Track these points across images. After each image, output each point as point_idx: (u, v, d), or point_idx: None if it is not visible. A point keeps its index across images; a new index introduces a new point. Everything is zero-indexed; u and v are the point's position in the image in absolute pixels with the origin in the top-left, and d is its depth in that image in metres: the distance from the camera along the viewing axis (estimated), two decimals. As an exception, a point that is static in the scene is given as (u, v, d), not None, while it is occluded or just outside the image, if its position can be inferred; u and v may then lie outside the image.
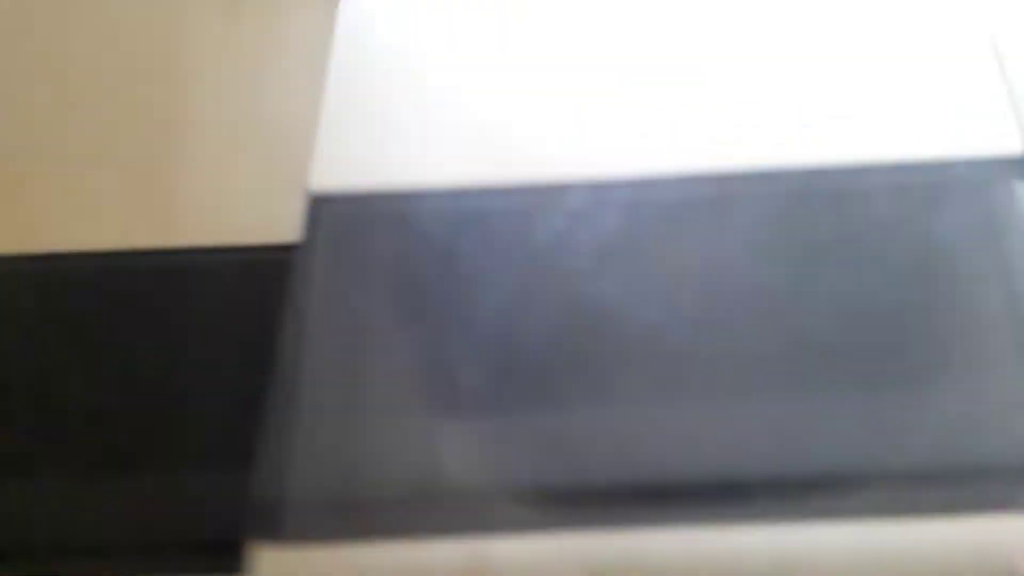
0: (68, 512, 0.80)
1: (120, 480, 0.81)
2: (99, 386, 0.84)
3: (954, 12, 0.88)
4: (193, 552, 0.78)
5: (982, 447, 0.68)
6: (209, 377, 0.83)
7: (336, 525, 0.68)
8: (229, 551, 0.73)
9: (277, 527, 0.68)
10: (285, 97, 0.94)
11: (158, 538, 0.78)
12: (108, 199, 0.91)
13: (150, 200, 0.91)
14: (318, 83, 0.93)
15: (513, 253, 0.78)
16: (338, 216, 0.81)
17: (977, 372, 0.70)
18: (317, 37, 0.96)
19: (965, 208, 0.76)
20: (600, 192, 0.80)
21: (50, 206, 0.92)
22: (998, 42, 0.86)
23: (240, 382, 0.81)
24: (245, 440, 0.77)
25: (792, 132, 0.82)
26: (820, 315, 0.73)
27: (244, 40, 0.99)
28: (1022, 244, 0.74)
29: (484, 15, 0.93)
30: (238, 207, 0.89)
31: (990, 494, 0.66)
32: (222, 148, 0.93)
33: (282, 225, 0.86)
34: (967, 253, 0.74)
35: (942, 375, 0.70)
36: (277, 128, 0.93)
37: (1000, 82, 0.83)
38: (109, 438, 0.82)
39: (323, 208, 0.81)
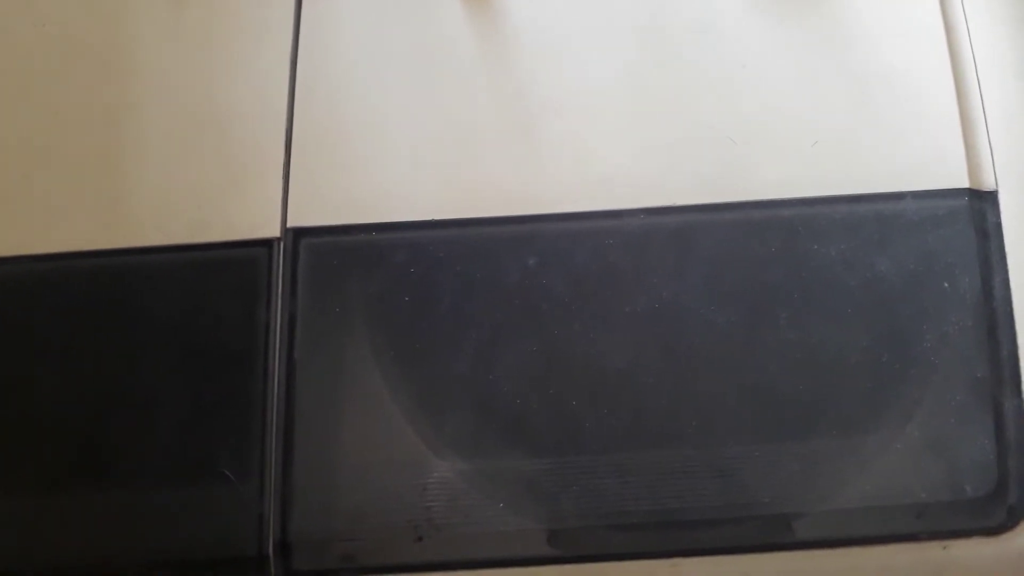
0: (27, 528, 0.80)
1: (86, 494, 0.81)
2: (57, 395, 0.83)
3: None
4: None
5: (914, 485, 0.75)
6: (169, 383, 0.82)
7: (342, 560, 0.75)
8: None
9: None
10: (238, 86, 0.91)
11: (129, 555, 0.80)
12: (57, 200, 0.88)
13: (100, 199, 0.88)
14: (271, 69, 0.91)
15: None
16: (316, 249, 0.83)
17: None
18: (268, 21, 0.93)
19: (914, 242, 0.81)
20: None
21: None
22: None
23: (202, 388, 0.82)
24: (204, 453, 0.79)
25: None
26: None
27: (191, 27, 0.95)
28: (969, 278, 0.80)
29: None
30: (192, 203, 0.87)
31: (917, 526, 0.74)
32: (173, 143, 0.90)
33: (239, 220, 0.86)
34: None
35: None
36: (230, 119, 0.90)
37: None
38: (71, 449, 0.82)
39: (301, 241, 0.83)
